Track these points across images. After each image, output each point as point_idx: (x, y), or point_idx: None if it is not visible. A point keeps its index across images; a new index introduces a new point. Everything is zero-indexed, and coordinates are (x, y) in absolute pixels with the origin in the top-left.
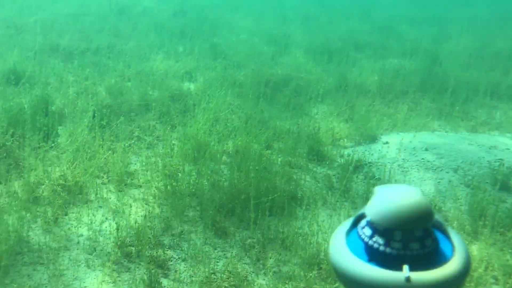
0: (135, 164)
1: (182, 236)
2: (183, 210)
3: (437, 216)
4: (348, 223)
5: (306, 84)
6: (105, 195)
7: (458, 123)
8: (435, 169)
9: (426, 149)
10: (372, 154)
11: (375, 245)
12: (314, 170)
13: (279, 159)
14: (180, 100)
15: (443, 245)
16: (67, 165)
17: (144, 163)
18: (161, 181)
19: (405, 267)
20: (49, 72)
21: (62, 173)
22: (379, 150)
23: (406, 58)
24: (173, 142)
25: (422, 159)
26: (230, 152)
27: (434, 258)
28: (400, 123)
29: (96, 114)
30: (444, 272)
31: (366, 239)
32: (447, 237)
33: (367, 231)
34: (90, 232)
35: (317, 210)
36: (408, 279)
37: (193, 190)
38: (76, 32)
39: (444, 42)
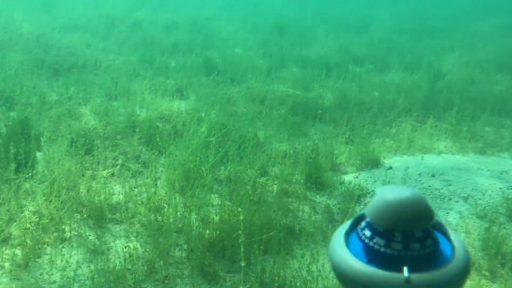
0: (119, 195)
1: (167, 282)
2: (168, 250)
3: (437, 217)
4: (347, 224)
5: (303, 101)
6: (83, 233)
7: (465, 144)
8: (443, 198)
9: (433, 175)
10: (375, 181)
11: (376, 247)
12: (313, 199)
13: (275, 187)
14: (170, 121)
15: (443, 246)
16: (43, 198)
17: (128, 194)
18: (145, 216)
19: (405, 269)
20: (30, 92)
21: (37, 208)
22: (383, 176)
23: (407, 72)
24: (161, 169)
25: (429, 186)
26: (222, 179)
27: (434, 259)
28: (404, 144)
29: (74, 141)
30: (444, 273)
31: (366, 241)
32: (447, 238)
33: (367, 232)
34: (64, 280)
35: (316, 248)
36: (407, 280)
37: (180, 225)
38: (63, 47)
39: (446, 54)
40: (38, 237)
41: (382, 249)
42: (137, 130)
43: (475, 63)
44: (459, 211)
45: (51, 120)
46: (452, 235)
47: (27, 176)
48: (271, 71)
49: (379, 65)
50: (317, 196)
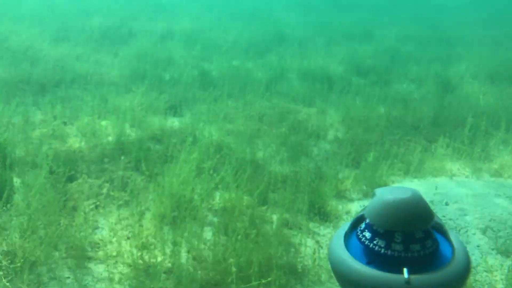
0: (102, 229)
1: None
2: None
3: (436, 218)
4: (347, 225)
5: (305, 118)
6: (61, 275)
7: (479, 166)
8: (459, 230)
9: (447, 204)
10: None
11: (376, 248)
12: (317, 231)
13: (275, 217)
14: (161, 141)
15: (443, 247)
16: (17, 236)
17: (112, 229)
18: (130, 255)
19: (405, 270)
20: (13, 111)
21: (11, 247)
22: None
23: (414, 84)
24: (150, 196)
25: (443, 216)
26: (217, 209)
27: (434, 260)
28: (413, 167)
29: (55, 168)
30: (443, 274)
31: (366, 242)
32: (447, 239)
33: (367, 234)
34: None
35: None
36: (408, 281)
37: (170, 264)
38: (52, 60)
39: (454, 64)
40: (9, 284)
41: (383, 251)
42: (129, 150)
43: (485, 74)
44: (477, 246)
45: (34, 143)
46: (452, 236)
47: (2, 208)
48: (270, 84)
49: (384, 76)
50: (321, 228)
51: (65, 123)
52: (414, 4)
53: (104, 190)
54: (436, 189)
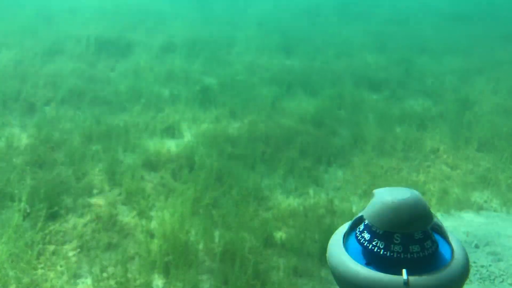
0: (85, 278)
1: None
2: None
3: (436, 219)
4: (346, 226)
5: (314, 140)
6: None
7: (508, 196)
8: (493, 280)
9: (477, 246)
10: None
11: (376, 249)
12: (330, 280)
13: (282, 262)
14: (157, 169)
15: (442, 249)
16: None
17: (96, 279)
18: None
19: (404, 271)
20: None
21: None
22: None
23: (430, 99)
24: (141, 237)
25: (474, 263)
26: (216, 252)
27: (433, 261)
28: (435, 198)
29: (34, 206)
30: (442, 275)
31: (365, 243)
32: (446, 240)
33: (366, 235)
34: None
35: None
36: (407, 282)
37: None
38: (43, 76)
39: (473, 78)
40: None
41: (382, 252)
42: (117, 182)
43: (507, 90)
44: None
45: (17, 172)
46: (451, 237)
47: None
48: (276, 101)
49: (398, 91)
50: None
51: (52, 148)
52: (429, 12)
53: (89, 230)
54: (458, 224)
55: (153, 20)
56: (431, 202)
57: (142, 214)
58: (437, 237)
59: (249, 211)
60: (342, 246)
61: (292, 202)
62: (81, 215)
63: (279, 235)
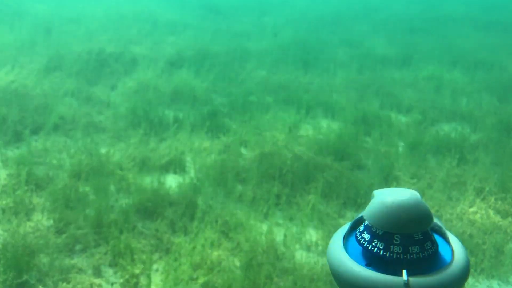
0: None
1: None
2: None
3: (436, 219)
4: (346, 226)
5: (337, 176)
6: None
7: None
8: None
9: None
10: None
11: (375, 250)
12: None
13: None
14: (153, 216)
15: (442, 249)
16: None
17: None
18: None
19: (404, 272)
20: None
21: None
22: None
23: (467, 123)
24: None
25: None
26: None
27: (433, 262)
28: (487, 258)
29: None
30: (443, 276)
31: (365, 244)
32: (446, 241)
33: (366, 236)
34: None
35: None
36: (407, 283)
37: None
38: (36, 97)
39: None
40: None
41: (382, 252)
42: (104, 235)
43: None
44: None
45: None
46: (451, 238)
47: None
48: (293, 126)
49: (429, 111)
50: None
51: (32, 190)
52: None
53: None
54: None
55: (161, 30)
56: (484, 262)
57: (132, 279)
58: (437, 238)
59: (260, 277)
60: (342, 247)
61: (316, 261)
62: (57, 283)
63: None
